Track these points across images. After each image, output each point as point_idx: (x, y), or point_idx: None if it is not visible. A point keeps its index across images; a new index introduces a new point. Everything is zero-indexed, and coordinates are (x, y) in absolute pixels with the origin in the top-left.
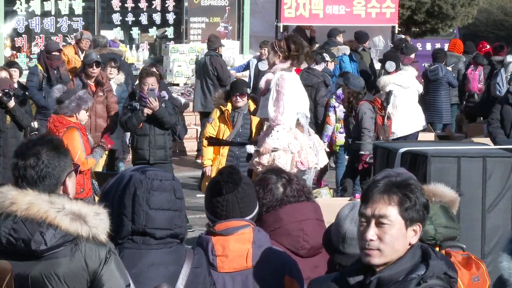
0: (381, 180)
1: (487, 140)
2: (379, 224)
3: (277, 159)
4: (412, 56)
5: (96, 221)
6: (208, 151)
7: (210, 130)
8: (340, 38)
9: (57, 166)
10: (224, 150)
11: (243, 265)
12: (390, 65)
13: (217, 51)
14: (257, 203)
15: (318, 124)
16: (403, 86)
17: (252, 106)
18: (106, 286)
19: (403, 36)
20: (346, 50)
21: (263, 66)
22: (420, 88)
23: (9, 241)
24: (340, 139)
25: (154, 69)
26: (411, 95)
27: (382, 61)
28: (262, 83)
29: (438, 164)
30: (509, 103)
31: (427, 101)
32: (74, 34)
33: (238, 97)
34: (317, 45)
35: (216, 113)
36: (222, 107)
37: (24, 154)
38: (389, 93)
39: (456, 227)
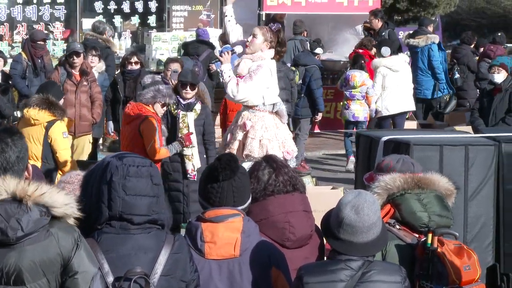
0: None
1: (469, 129)
2: None
3: (270, 151)
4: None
5: (66, 204)
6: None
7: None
8: (430, 28)
9: (22, 149)
10: None
11: (231, 253)
12: (386, 50)
13: (303, 35)
14: (250, 194)
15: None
16: (393, 69)
17: None
18: (79, 271)
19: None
20: (435, 38)
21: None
22: (409, 73)
23: None
24: (345, 114)
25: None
26: (400, 78)
27: (378, 47)
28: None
29: (421, 152)
30: (488, 94)
31: None
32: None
33: None
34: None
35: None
36: None
37: None
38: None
39: (450, 217)
